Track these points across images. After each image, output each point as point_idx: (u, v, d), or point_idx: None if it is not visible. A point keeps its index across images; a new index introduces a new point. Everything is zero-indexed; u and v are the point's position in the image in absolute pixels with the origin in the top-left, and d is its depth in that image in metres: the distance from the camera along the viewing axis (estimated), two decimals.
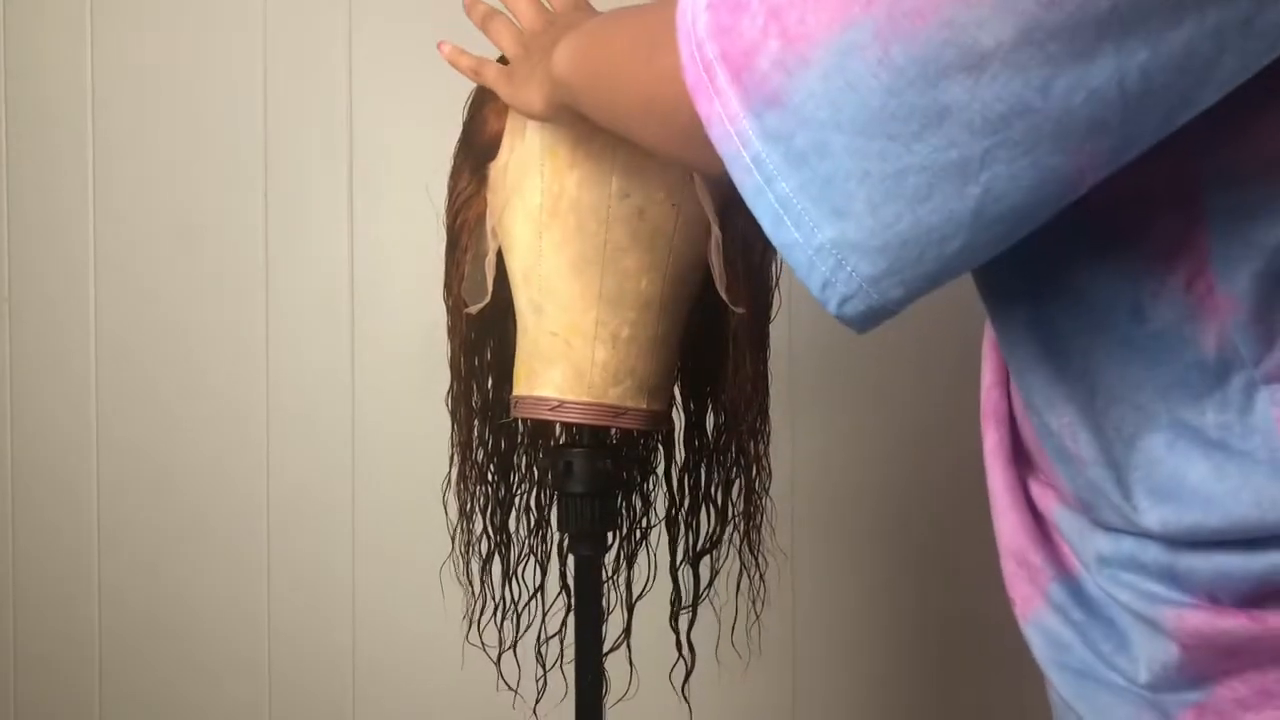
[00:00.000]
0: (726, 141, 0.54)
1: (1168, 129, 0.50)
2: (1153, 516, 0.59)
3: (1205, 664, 0.59)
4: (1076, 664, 0.66)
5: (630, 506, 1.07)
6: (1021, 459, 0.71)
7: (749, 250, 0.93)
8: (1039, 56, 0.48)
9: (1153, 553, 0.60)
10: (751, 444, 0.99)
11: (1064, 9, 0.48)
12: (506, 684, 1.06)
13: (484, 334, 1.01)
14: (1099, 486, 0.62)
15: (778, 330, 1.02)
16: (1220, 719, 0.59)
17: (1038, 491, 0.68)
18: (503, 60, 0.89)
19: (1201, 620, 0.58)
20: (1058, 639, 0.66)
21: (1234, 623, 0.57)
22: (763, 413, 0.99)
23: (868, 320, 0.55)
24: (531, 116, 0.82)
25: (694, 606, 1.05)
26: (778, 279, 0.98)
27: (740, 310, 0.91)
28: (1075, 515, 0.65)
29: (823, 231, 0.53)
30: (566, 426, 1.00)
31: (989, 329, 0.74)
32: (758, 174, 0.54)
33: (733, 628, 1.08)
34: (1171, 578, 0.60)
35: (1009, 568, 0.69)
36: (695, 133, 0.56)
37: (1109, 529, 0.63)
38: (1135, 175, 0.52)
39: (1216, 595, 0.58)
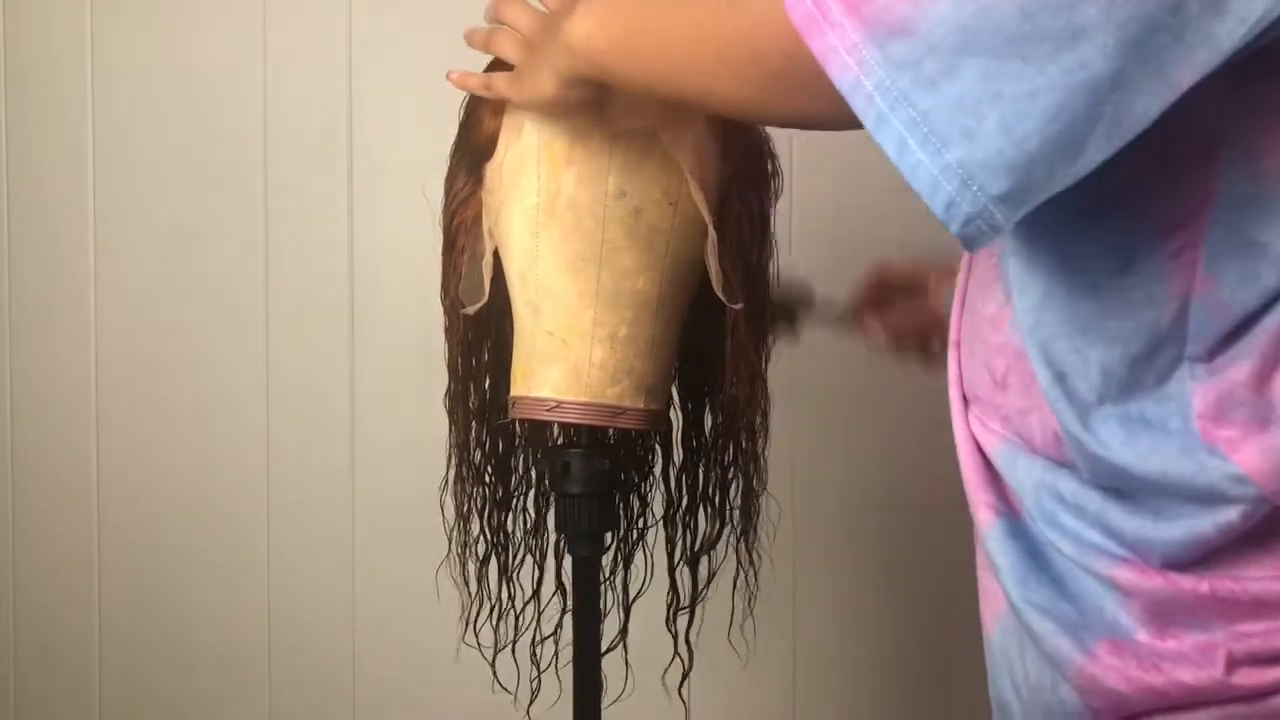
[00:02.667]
0: (845, 71, 0.55)
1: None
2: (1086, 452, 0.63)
3: (1136, 617, 0.64)
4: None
5: (628, 507, 1.07)
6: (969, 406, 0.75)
7: (746, 250, 0.93)
8: None
9: (1093, 500, 0.65)
10: (749, 443, 0.99)
11: None
12: (501, 685, 1.06)
13: (481, 335, 1.00)
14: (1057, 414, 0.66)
15: None
16: (1136, 659, 0.63)
17: (985, 437, 0.72)
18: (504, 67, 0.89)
19: (1130, 578, 0.63)
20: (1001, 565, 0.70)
21: (1154, 583, 0.63)
22: (762, 413, 0.99)
23: (986, 238, 0.56)
24: (542, 102, 0.81)
25: (691, 607, 1.05)
26: (776, 279, 0.98)
27: (738, 306, 0.91)
28: (1016, 453, 0.69)
29: (950, 152, 0.54)
30: (564, 427, 1.00)
31: (956, 296, 0.77)
32: (881, 101, 0.55)
33: (729, 628, 1.08)
34: (1106, 529, 0.64)
35: (975, 510, 0.73)
36: (784, 75, 0.58)
37: (1051, 462, 0.67)
38: (1168, 139, 0.55)
39: (1143, 555, 0.63)
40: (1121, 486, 0.64)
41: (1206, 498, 0.61)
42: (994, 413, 0.71)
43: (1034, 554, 0.68)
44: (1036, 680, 0.69)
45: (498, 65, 0.91)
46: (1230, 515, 0.60)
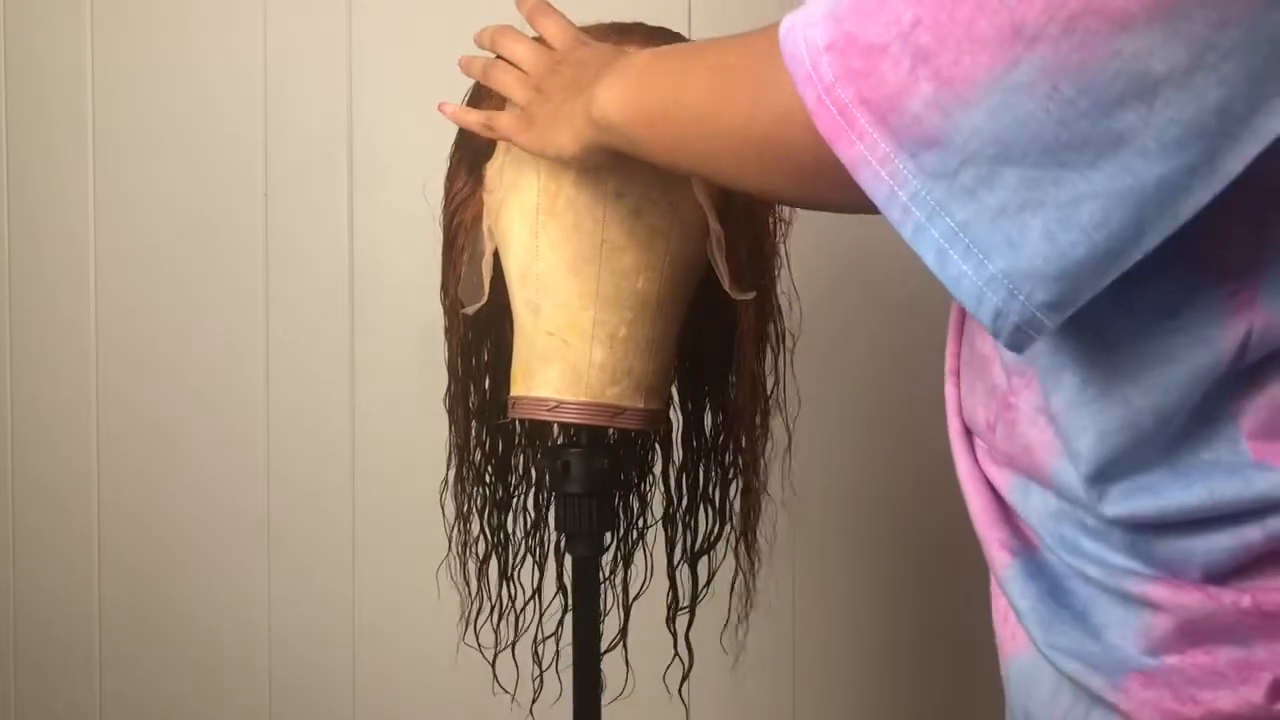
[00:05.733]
0: (878, 183, 0.54)
1: None
2: (1111, 509, 0.61)
3: (1167, 636, 0.60)
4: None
5: (628, 506, 1.07)
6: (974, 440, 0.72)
7: (750, 244, 0.93)
8: (1212, 79, 0.49)
9: (1118, 528, 0.61)
10: (750, 443, 0.99)
11: (1239, 28, 0.48)
12: (501, 685, 1.06)
13: (481, 334, 1.00)
14: (1064, 473, 0.63)
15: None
16: (1170, 690, 0.60)
17: (992, 471, 0.70)
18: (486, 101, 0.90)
19: (1164, 595, 0.60)
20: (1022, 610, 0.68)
21: (1191, 599, 0.59)
22: (763, 413, 0.99)
23: (1033, 342, 0.55)
24: (560, 159, 0.80)
25: (691, 607, 1.05)
26: (778, 278, 0.98)
27: (749, 297, 0.91)
28: (1028, 484, 0.67)
29: (994, 263, 0.53)
30: (564, 426, 1.00)
31: (952, 324, 0.75)
32: (918, 211, 0.54)
33: (724, 628, 1.08)
34: (1134, 551, 0.61)
35: (988, 548, 0.70)
36: (816, 172, 0.57)
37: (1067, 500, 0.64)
38: (1221, 197, 0.53)
39: (1176, 571, 0.60)
40: (1153, 524, 0.61)
41: (1254, 509, 0.58)
42: (993, 450, 0.70)
43: (1055, 593, 0.65)
44: (1067, 711, 0.66)
45: (484, 90, 0.92)
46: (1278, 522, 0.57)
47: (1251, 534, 0.58)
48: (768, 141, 0.60)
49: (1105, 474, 0.60)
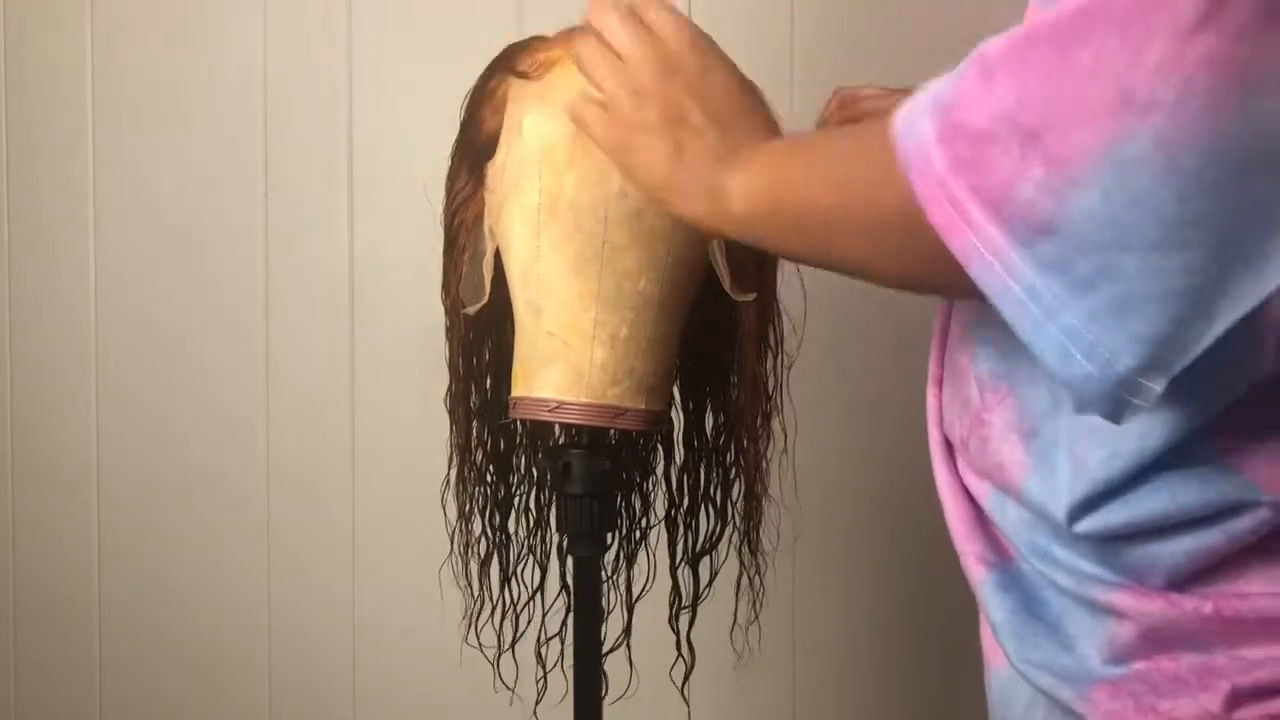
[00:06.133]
0: (991, 277, 0.51)
1: None
2: (1085, 525, 0.60)
3: (1132, 643, 0.60)
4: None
5: (629, 506, 1.07)
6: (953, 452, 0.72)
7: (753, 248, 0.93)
8: None
9: (1086, 539, 0.61)
10: (751, 444, 0.99)
11: None
12: (505, 684, 1.06)
13: (482, 335, 1.00)
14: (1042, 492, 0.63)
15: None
16: (1134, 700, 0.60)
17: (972, 480, 0.69)
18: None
19: (1128, 603, 0.60)
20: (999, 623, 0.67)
21: (1154, 606, 0.59)
22: (764, 414, 0.99)
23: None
24: (685, 220, 0.71)
25: (693, 607, 1.05)
26: (778, 280, 0.98)
27: (750, 298, 0.91)
28: (1004, 496, 0.66)
29: (1122, 362, 0.50)
30: (565, 427, 1.00)
31: (936, 329, 0.75)
32: (1035, 307, 0.51)
33: (732, 627, 1.08)
34: (1101, 558, 0.61)
35: (964, 561, 0.70)
36: (936, 265, 0.54)
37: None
38: None
39: (1140, 577, 0.60)
40: (1123, 534, 0.60)
41: (1217, 512, 0.58)
42: (972, 463, 0.69)
43: (1030, 604, 0.65)
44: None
45: (487, 88, 0.91)
46: (1242, 523, 0.57)
47: (1214, 537, 0.58)
48: (891, 235, 0.58)
49: (1104, 492, 0.59)
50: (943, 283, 0.56)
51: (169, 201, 1.53)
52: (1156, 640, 0.60)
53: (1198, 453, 0.57)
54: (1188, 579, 0.59)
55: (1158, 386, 0.50)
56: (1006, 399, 0.65)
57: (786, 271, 1.01)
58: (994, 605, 0.66)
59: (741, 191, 0.66)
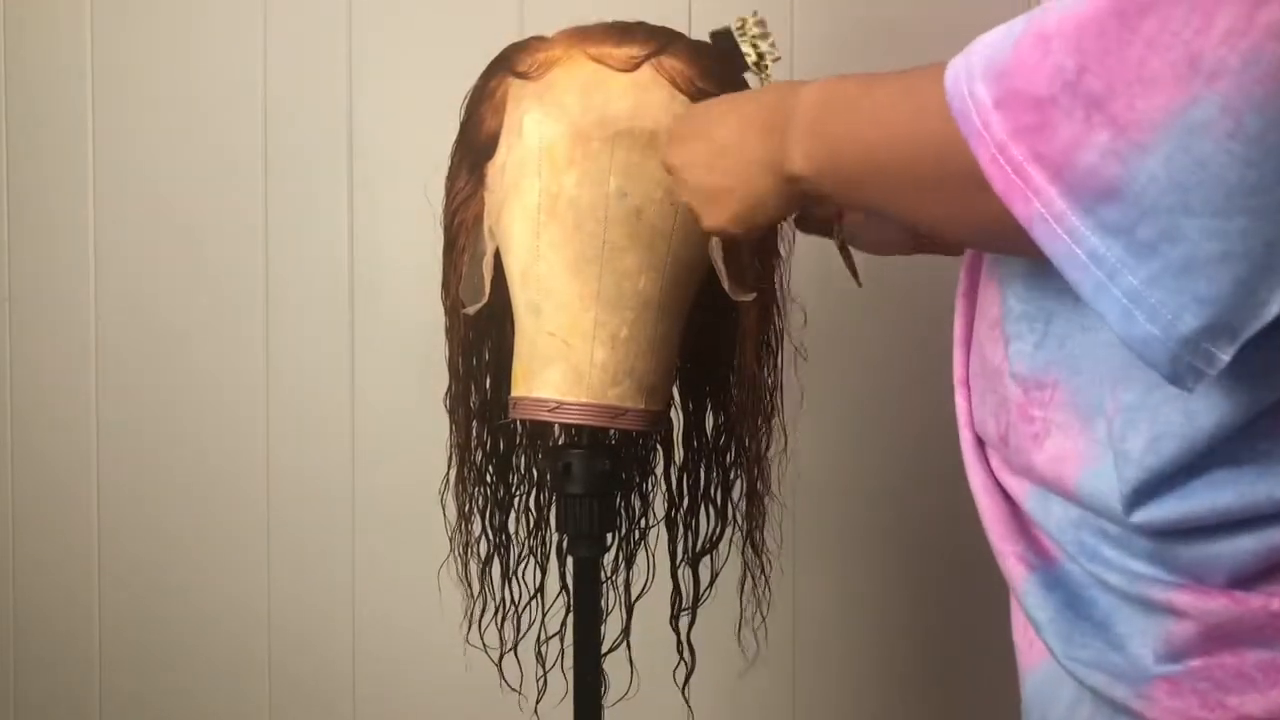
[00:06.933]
0: (1054, 241, 0.52)
1: None
2: (1142, 516, 0.59)
3: (1190, 641, 0.59)
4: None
5: (629, 507, 1.07)
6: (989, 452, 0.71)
7: (753, 246, 0.93)
8: None
9: (1138, 538, 0.61)
10: (752, 444, 0.99)
11: None
12: (508, 684, 1.06)
13: (482, 335, 1.00)
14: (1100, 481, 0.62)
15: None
16: (1198, 696, 0.59)
17: (1009, 480, 0.69)
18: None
19: (1187, 602, 0.59)
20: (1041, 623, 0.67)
21: (1217, 604, 0.58)
22: (764, 414, 0.99)
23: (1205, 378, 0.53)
24: (771, 206, 0.75)
25: (694, 607, 1.05)
26: (778, 279, 0.98)
27: (750, 298, 0.91)
28: (1046, 493, 0.65)
29: (1185, 322, 0.51)
30: (565, 427, 1.00)
31: (958, 333, 0.74)
32: (1098, 270, 0.52)
33: (739, 627, 1.08)
34: (1156, 558, 0.60)
35: (1003, 561, 0.69)
36: (1001, 229, 0.55)
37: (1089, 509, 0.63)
38: None
39: (1200, 576, 0.59)
40: (1179, 529, 0.60)
41: None
42: (1009, 462, 0.68)
43: (1075, 603, 0.64)
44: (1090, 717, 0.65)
45: (485, 90, 0.90)
46: None
47: (1279, 535, 0.57)
48: (955, 202, 0.59)
49: (1155, 480, 0.59)
50: (1009, 242, 0.56)
51: (169, 201, 1.53)
52: (1219, 637, 0.59)
53: (1262, 446, 0.57)
54: (1252, 577, 0.58)
55: (1225, 354, 0.51)
56: (1056, 393, 0.65)
57: (787, 271, 1.01)
58: (1036, 604, 0.66)
59: (796, 152, 0.68)
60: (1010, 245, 0.57)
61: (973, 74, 0.55)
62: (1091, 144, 0.51)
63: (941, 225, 0.63)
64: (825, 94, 0.67)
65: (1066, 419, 0.64)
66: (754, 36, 0.89)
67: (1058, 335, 0.65)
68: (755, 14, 0.89)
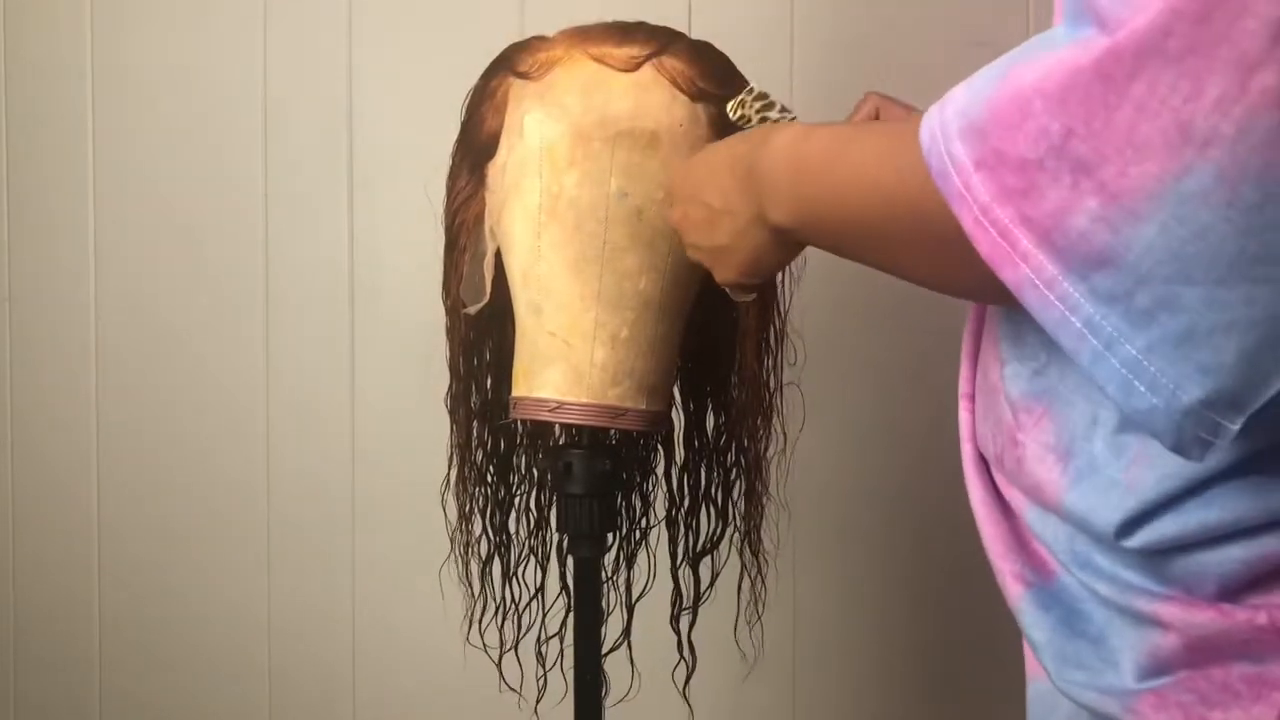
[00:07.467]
0: (1047, 308, 0.51)
1: None
2: (1135, 541, 0.59)
3: (1176, 654, 0.59)
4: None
5: (630, 507, 1.07)
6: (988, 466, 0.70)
7: None
8: None
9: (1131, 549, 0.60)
10: (752, 444, 0.99)
11: None
12: (508, 684, 1.06)
13: (483, 335, 1.00)
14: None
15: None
16: (1182, 710, 0.58)
17: (1011, 493, 0.68)
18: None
19: (1173, 614, 0.58)
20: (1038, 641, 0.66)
21: (1204, 617, 0.57)
22: (765, 414, 0.99)
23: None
24: (775, 253, 0.75)
25: (694, 608, 1.05)
26: (778, 279, 0.98)
27: (750, 298, 0.91)
28: (1042, 509, 0.65)
29: (1188, 393, 0.49)
30: (565, 427, 1.00)
31: (966, 344, 0.74)
32: (1094, 339, 0.50)
33: (735, 627, 1.08)
34: (1147, 569, 0.60)
35: (1001, 579, 0.69)
36: (986, 289, 0.53)
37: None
38: None
39: (1190, 588, 0.58)
40: (1171, 546, 0.59)
41: (1274, 520, 0.56)
42: (1009, 478, 0.68)
43: (1071, 620, 0.63)
44: None
45: (485, 92, 0.90)
46: None
47: (1270, 545, 0.56)
48: (938, 260, 0.58)
49: (1150, 509, 0.58)
50: (1005, 298, 0.54)
51: (169, 201, 1.53)
52: (1204, 650, 0.58)
53: (1256, 463, 0.56)
54: (1241, 588, 0.57)
55: (1233, 425, 0.50)
56: (1042, 420, 0.64)
57: (786, 272, 1.01)
58: (1033, 624, 0.65)
59: (775, 205, 0.68)
60: (1006, 300, 0.55)
61: (949, 133, 0.53)
62: (1081, 209, 0.49)
63: (933, 282, 0.62)
64: (796, 152, 0.67)
65: (1043, 449, 0.64)
66: (761, 110, 0.87)
67: (1059, 365, 0.63)
68: (751, 90, 0.87)
